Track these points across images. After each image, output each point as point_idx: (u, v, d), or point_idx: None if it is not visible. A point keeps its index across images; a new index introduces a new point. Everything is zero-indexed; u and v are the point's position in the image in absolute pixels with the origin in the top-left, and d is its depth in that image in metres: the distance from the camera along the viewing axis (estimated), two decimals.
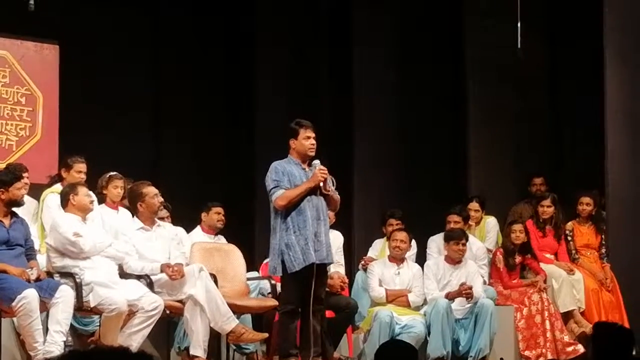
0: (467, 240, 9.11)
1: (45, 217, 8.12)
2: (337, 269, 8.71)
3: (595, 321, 8.76)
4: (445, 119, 11.63)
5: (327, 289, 7.78)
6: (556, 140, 11.71)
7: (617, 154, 9.42)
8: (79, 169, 8.38)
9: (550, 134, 11.69)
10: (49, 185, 8.51)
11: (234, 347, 8.52)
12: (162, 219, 8.53)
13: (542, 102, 11.62)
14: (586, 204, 9.71)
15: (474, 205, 9.92)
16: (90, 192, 7.83)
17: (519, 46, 9.69)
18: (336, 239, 8.72)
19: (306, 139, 7.47)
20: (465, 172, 11.16)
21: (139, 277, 7.57)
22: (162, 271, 7.59)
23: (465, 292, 8.77)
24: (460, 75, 11.30)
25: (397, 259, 9.08)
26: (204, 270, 7.58)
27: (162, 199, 8.07)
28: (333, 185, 7.56)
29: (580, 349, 9.03)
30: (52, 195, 8.16)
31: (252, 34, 11.63)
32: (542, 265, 9.46)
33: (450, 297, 8.83)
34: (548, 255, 9.67)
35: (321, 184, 7.39)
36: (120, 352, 1.97)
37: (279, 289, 8.04)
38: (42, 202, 8.28)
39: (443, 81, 11.62)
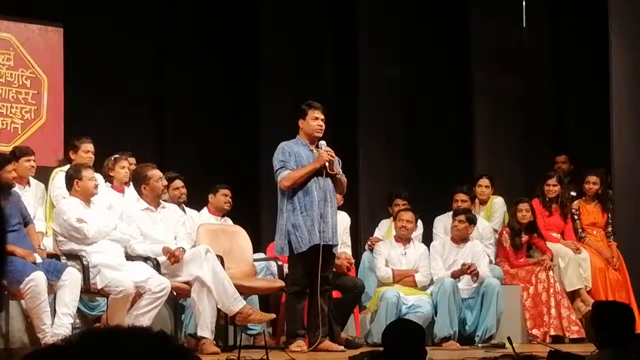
0: (470, 221, 9.05)
1: (53, 194, 8.13)
2: (344, 249, 8.69)
3: (602, 299, 8.75)
4: (451, 101, 11.60)
5: (333, 270, 7.79)
6: (561, 121, 11.68)
7: (623, 133, 9.41)
8: (87, 149, 8.34)
9: (555, 114, 11.65)
10: (59, 166, 8.50)
11: (241, 329, 8.52)
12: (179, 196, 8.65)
13: (546, 83, 11.60)
14: (593, 183, 9.68)
15: (484, 181, 9.87)
16: (97, 175, 7.82)
17: (524, 25, 9.66)
18: (343, 219, 8.70)
19: (314, 120, 7.46)
20: (470, 153, 11.14)
21: (145, 259, 7.57)
22: (163, 253, 7.60)
23: (469, 270, 8.76)
24: (466, 59, 11.27)
25: (403, 239, 9.06)
26: (210, 252, 7.55)
27: (165, 182, 8.07)
28: (339, 166, 7.54)
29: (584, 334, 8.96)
30: (61, 174, 8.13)
31: (256, 33, 11.57)
32: (548, 244, 9.44)
33: (455, 275, 8.82)
34: (554, 234, 9.64)
35: (327, 165, 7.38)
36: (139, 331, 1.89)
37: (285, 270, 8.04)
38: (51, 181, 8.28)
39: (449, 64, 11.59)
